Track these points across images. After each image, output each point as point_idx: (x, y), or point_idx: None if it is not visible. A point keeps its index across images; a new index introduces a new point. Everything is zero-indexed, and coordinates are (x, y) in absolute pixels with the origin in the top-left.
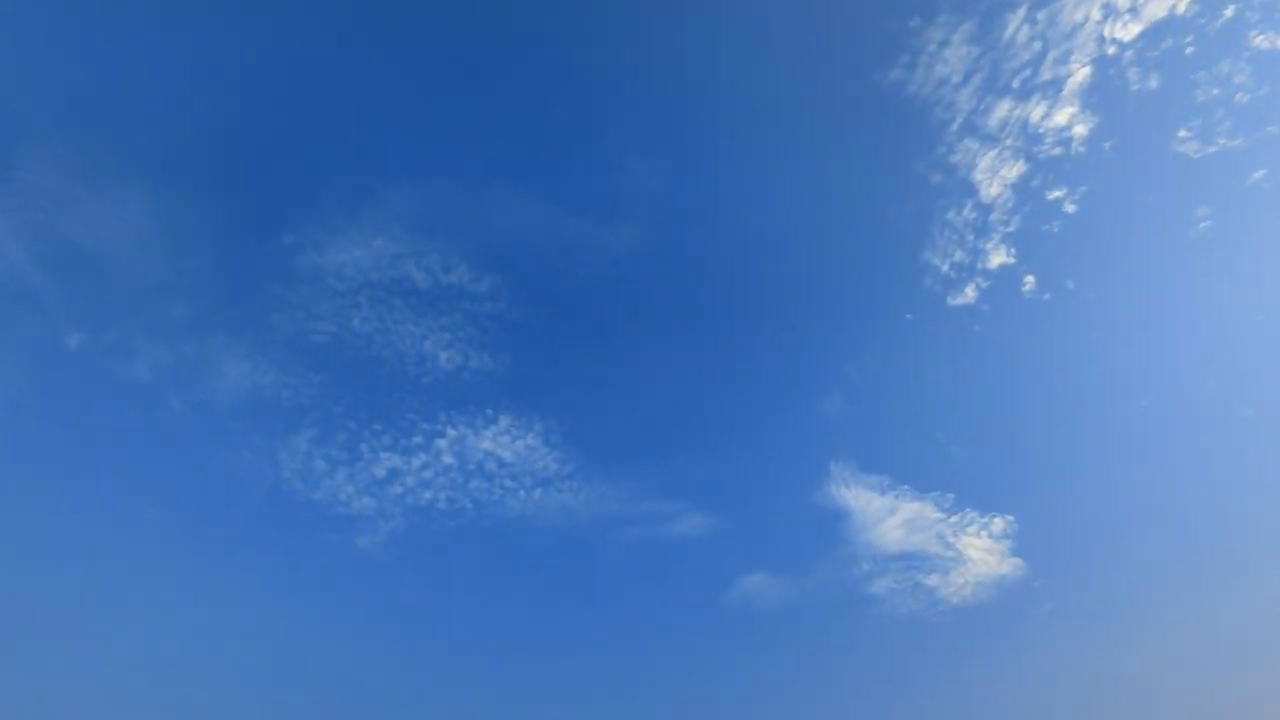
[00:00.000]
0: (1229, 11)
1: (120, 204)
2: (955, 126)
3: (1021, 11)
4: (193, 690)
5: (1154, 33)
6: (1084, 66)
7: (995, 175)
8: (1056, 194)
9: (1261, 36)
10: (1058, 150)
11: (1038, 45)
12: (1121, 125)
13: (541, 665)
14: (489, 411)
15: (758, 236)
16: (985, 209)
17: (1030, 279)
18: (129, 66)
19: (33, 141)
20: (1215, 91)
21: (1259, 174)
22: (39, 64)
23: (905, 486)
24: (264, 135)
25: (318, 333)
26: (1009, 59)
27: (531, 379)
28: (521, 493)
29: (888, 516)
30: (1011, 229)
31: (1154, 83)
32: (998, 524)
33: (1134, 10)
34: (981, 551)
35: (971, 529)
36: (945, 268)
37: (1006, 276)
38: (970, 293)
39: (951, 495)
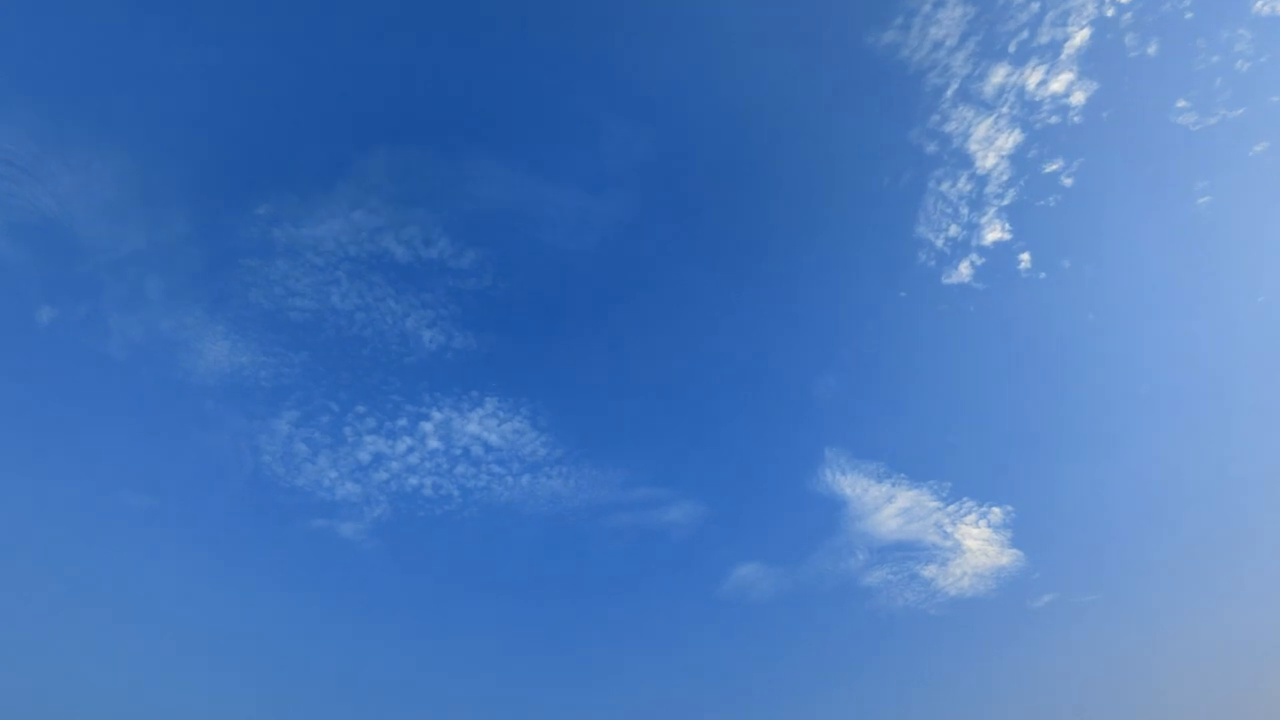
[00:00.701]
0: None
1: (91, 174)
2: (950, 93)
3: None
4: (173, 682)
5: None
6: (1082, 29)
7: (991, 145)
8: (1053, 167)
9: (1262, 2)
10: (1055, 119)
11: (1035, 6)
12: (1120, 93)
13: (530, 657)
14: (474, 393)
15: (748, 208)
16: (981, 181)
17: (1026, 256)
18: (100, 35)
19: (1, 110)
20: (1215, 59)
21: (1260, 147)
22: (6, 32)
23: (901, 474)
24: (237, 102)
25: (297, 309)
26: (1005, 21)
27: (517, 359)
28: (509, 479)
29: (884, 505)
30: (1007, 202)
31: (1152, 48)
32: (996, 514)
33: None
34: (980, 542)
35: (969, 518)
36: (939, 243)
37: (1002, 253)
38: (965, 270)
39: (949, 484)
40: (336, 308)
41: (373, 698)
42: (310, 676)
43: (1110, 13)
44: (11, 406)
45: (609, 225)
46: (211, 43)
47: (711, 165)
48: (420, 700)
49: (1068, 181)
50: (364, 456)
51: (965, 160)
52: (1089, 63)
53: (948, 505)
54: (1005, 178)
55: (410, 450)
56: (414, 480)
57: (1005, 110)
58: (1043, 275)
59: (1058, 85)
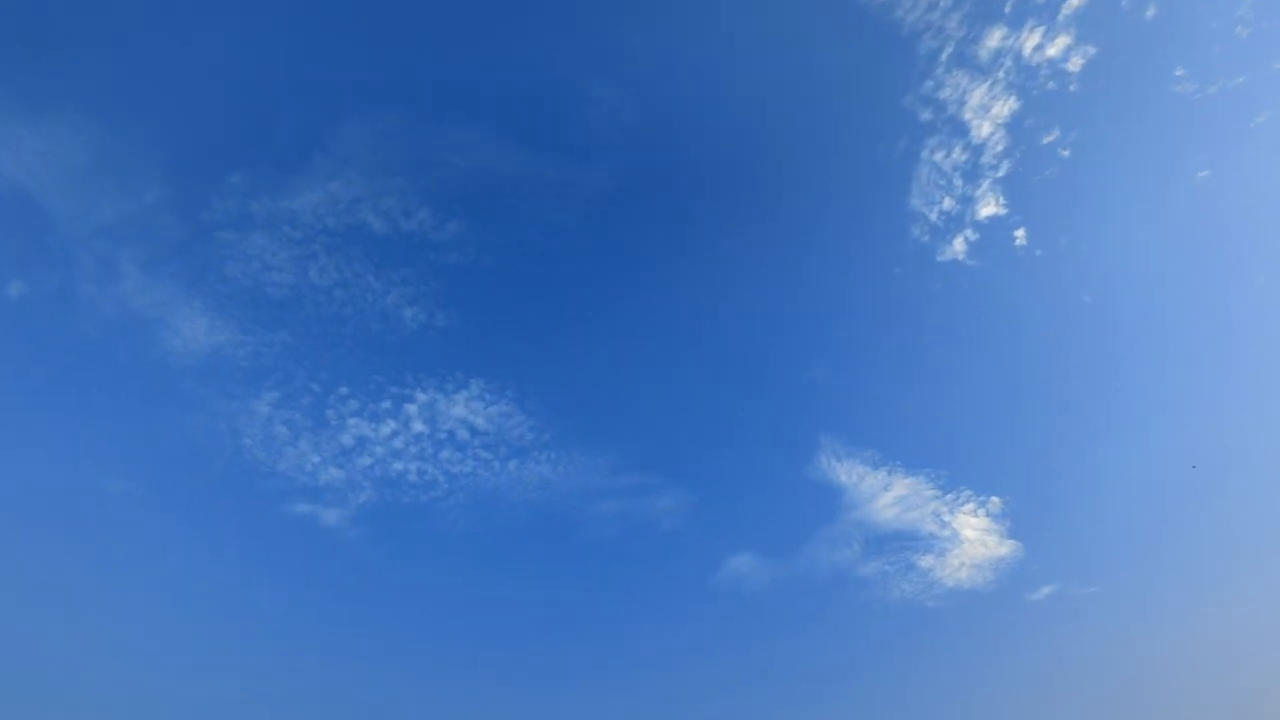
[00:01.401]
0: None
1: (60, 141)
2: (945, 56)
3: None
4: (157, 671)
5: None
6: None
7: (987, 113)
8: (1050, 138)
9: None
10: (1051, 85)
11: None
12: (1118, 59)
13: (518, 648)
14: (459, 374)
15: (739, 179)
16: (976, 151)
17: (1021, 233)
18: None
19: None
20: (1214, 24)
21: (1261, 118)
22: None
23: (897, 461)
24: (210, 68)
25: (275, 285)
26: None
27: (502, 339)
28: (496, 464)
29: (880, 492)
30: (1002, 174)
31: (1150, 11)
32: (994, 503)
33: None
34: (978, 531)
35: (967, 507)
36: (933, 216)
37: (997, 228)
38: (959, 246)
39: (946, 471)
40: (315, 284)
41: (357, 686)
42: (293, 664)
43: None
44: None
45: (594, 197)
46: (184, 6)
47: (699, 133)
48: (405, 689)
49: (1065, 154)
50: (347, 440)
51: (960, 129)
52: (1086, 25)
53: (945, 494)
54: (1000, 148)
55: (394, 434)
56: (399, 466)
57: (1001, 75)
58: (1039, 253)
59: (1054, 50)
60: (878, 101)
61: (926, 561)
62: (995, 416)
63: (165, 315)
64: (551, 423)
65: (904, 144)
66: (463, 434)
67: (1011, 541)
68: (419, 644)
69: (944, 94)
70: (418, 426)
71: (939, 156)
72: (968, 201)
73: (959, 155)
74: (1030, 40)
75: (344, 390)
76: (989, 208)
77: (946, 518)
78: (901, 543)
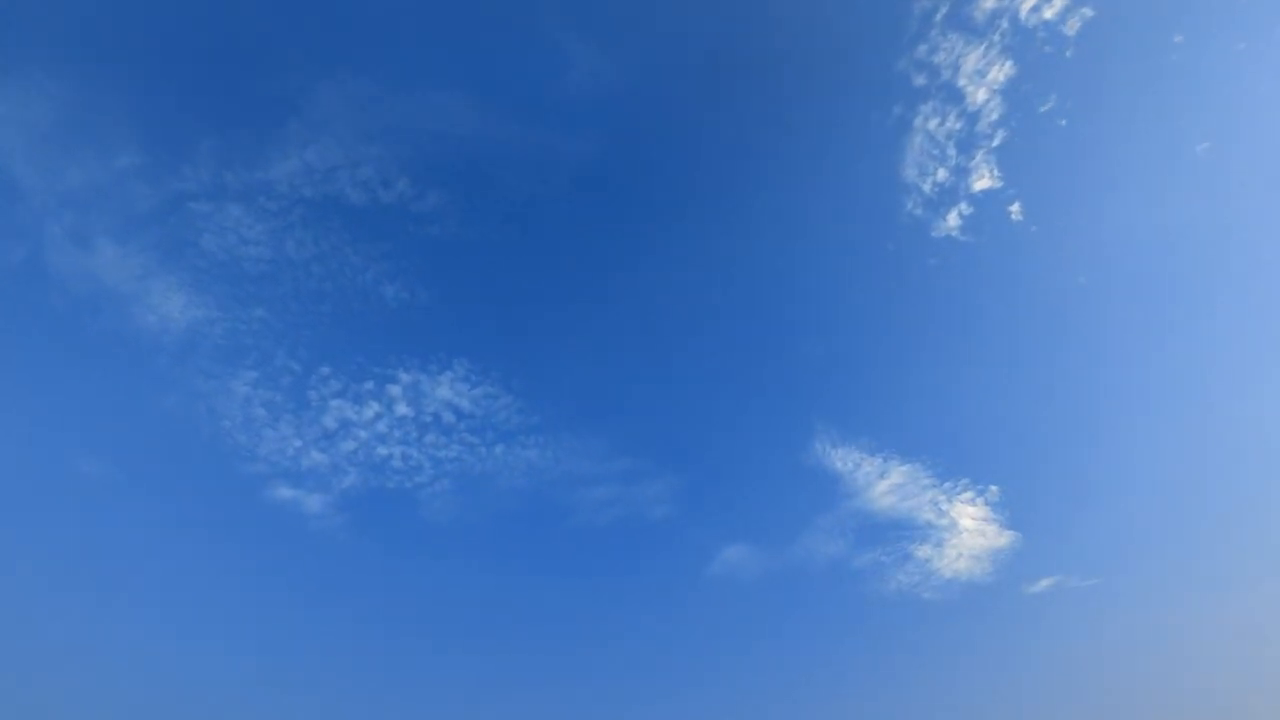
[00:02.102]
0: None
1: (25, 105)
2: (939, 17)
3: None
4: (139, 662)
5: None
6: None
7: (982, 79)
8: (1046, 105)
9: None
10: (1048, 49)
11: None
12: (1116, 23)
13: (506, 639)
14: (442, 354)
15: (728, 146)
16: (971, 118)
17: (1017, 207)
18: None
19: None
20: None
21: (1261, 86)
22: None
23: (893, 448)
24: (180, 28)
25: (251, 259)
26: None
27: (486, 316)
28: (482, 449)
29: (877, 480)
30: (997, 143)
31: None
32: (993, 492)
33: None
34: (976, 521)
35: (965, 495)
36: (927, 187)
37: (992, 202)
38: (953, 220)
39: (943, 459)
40: (292, 258)
41: (339, 675)
42: (275, 654)
43: None
44: None
45: (578, 165)
46: None
47: (685, 98)
48: (388, 679)
49: (1062, 124)
50: (330, 423)
51: (955, 95)
52: None
53: (943, 482)
54: (996, 115)
55: (378, 417)
56: (383, 450)
57: (997, 39)
58: (1034, 228)
59: (1051, 11)
60: (871, 66)
61: (924, 552)
62: (994, 402)
63: (140, 291)
64: (539, 405)
65: (898, 111)
66: (448, 417)
67: (1010, 532)
68: (404, 634)
69: (938, 58)
70: (401, 409)
71: (933, 124)
72: (962, 173)
73: (953, 123)
74: (1027, 2)
75: (325, 370)
76: (983, 180)
77: (945, 506)
78: (898, 532)
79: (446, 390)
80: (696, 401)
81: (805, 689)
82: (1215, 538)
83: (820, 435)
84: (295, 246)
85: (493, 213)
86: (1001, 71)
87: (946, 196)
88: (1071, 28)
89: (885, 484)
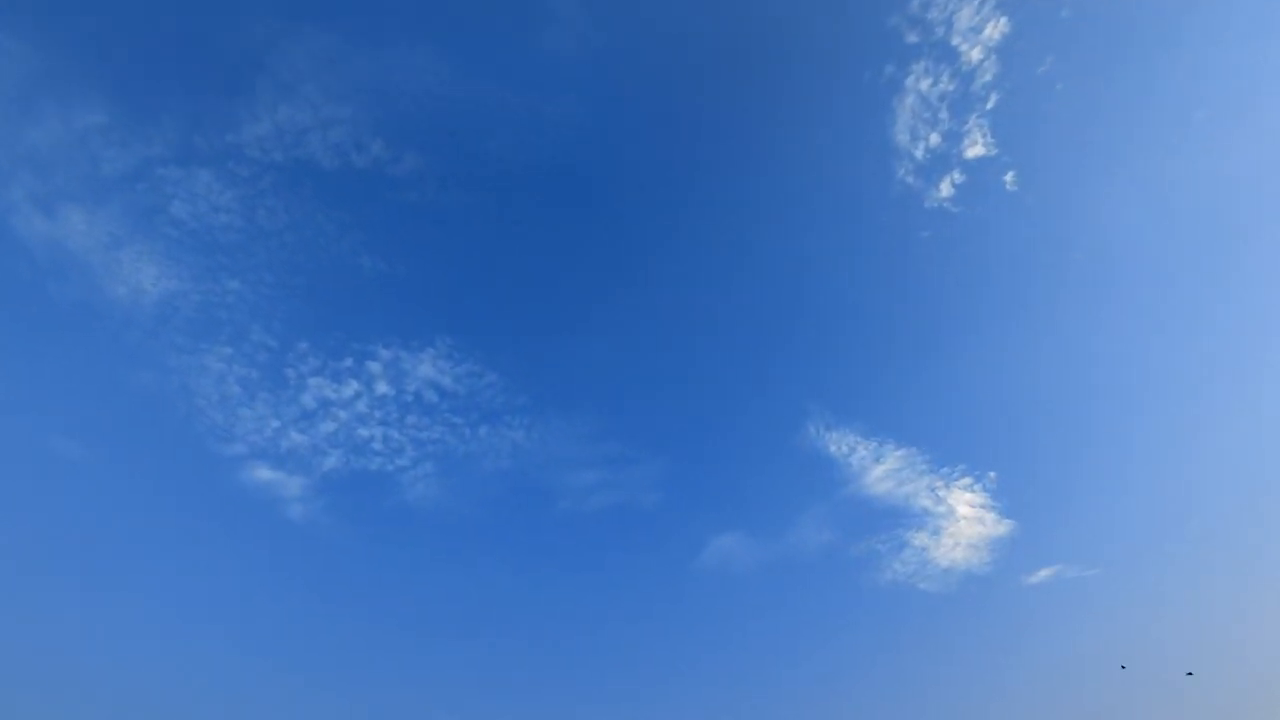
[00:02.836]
0: None
1: None
2: None
3: None
4: (119, 653)
5: None
6: None
7: (977, 36)
8: (1043, 67)
9: None
10: (1044, 5)
11: None
12: None
13: (491, 628)
14: (424, 329)
15: (717, 108)
16: (965, 78)
17: (1011, 176)
18: None
19: None
20: None
21: (1260, 52)
22: None
23: (888, 432)
24: None
25: (223, 228)
26: None
27: (468, 289)
28: (466, 429)
29: (873, 465)
30: (991, 106)
31: None
32: (991, 478)
33: None
34: (973, 509)
35: (963, 481)
36: (919, 153)
37: (986, 170)
38: (946, 189)
39: (940, 444)
40: (265, 227)
41: (320, 663)
42: (252, 641)
43: None
44: None
45: (562, 128)
46: None
47: (673, 60)
48: (372, 668)
49: (1058, 87)
50: (309, 402)
51: (949, 53)
52: None
53: (940, 467)
54: (990, 76)
55: (358, 396)
56: (364, 432)
57: None
58: (1029, 199)
59: None
60: (862, 21)
61: (920, 539)
62: (991, 384)
63: (109, 261)
64: (525, 384)
65: (890, 70)
66: (430, 396)
67: (1009, 520)
68: (387, 622)
69: (931, 14)
70: (382, 388)
71: (925, 85)
72: (955, 138)
73: (946, 84)
74: None
75: (303, 346)
76: (977, 147)
77: (942, 493)
78: (895, 518)
79: (428, 368)
80: (686, 379)
81: (799, 683)
82: (1219, 528)
83: (814, 417)
84: (267, 215)
85: (472, 178)
86: (996, 29)
87: (939, 163)
88: None
89: (881, 469)
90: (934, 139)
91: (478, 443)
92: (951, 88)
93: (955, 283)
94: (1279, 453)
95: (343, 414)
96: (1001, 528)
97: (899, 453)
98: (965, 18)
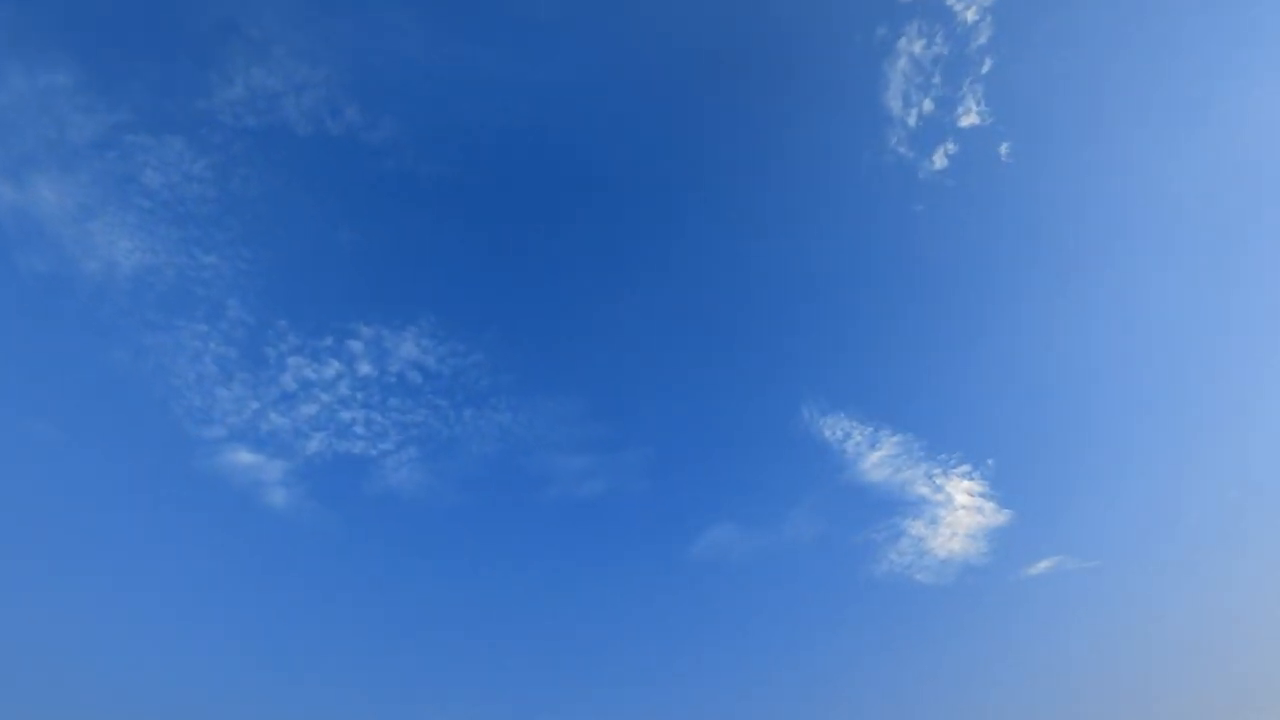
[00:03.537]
0: None
1: None
2: None
3: None
4: (100, 646)
5: None
6: None
7: None
8: (1040, 30)
9: None
10: None
11: None
12: None
13: (475, 621)
14: (406, 306)
15: (708, 74)
16: (959, 40)
17: (1006, 146)
18: None
19: None
20: None
21: (1262, 19)
22: None
23: (884, 418)
24: None
25: (196, 198)
26: None
27: (451, 264)
28: (450, 412)
29: (868, 451)
30: (986, 70)
31: None
32: (989, 466)
33: None
34: (973, 497)
35: (961, 469)
36: (912, 120)
37: (980, 139)
38: (939, 160)
39: (937, 431)
40: (239, 196)
41: (301, 655)
42: (231, 632)
43: None
44: None
45: (545, 95)
46: None
47: (656, 20)
48: (354, 661)
49: (1055, 52)
50: (289, 383)
51: (943, 13)
52: None
53: (937, 454)
54: (985, 38)
55: (339, 377)
56: (346, 415)
57: None
58: (1025, 171)
59: None
60: None
61: (917, 529)
62: (989, 369)
63: (80, 233)
64: (511, 363)
65: (881, 32)
66: (413, 377)
67: (1007, 510)
68: (370, 613)
69: None
70: (364, 368)
71: (918, 47)
72: (948, 105)
73: (940, 46)
74: None
75: (282, 324)
76: (971, 116)
77: (939, 480)
78: (891, 507)
79: (411, 347)
80: (678, 360)
81: (793, 677)
82: (1221, 519)
83: (808, 402)
84: (240, 184)
85: (452, 146)
86: None
87: (932, 132)
88: None
89: (876, 455)
90: (927, 105)
91: (463, 426)
92: (946, 51)
93: (952, 261)
94: None
95: (324, 396)
96: (1000, 517)
97: (895, 439)
98: None
